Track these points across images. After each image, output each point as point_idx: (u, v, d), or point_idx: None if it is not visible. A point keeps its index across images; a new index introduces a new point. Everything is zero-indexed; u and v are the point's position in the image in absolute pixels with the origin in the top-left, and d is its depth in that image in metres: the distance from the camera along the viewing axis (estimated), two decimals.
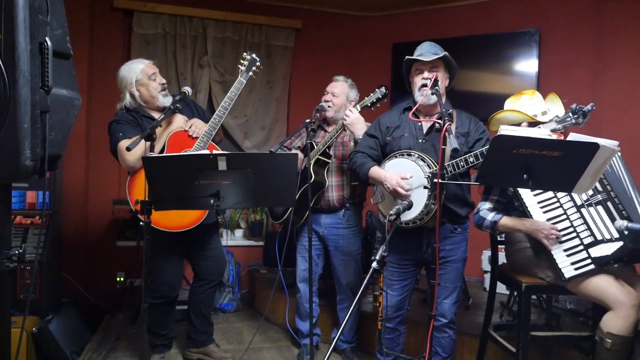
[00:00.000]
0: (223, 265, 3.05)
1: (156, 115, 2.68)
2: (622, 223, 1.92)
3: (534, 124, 2.30)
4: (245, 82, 2.72)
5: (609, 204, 2.14)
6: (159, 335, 2.85)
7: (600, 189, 2.16)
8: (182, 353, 3.05)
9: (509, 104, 2.45)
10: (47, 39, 1.32)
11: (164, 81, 2.76)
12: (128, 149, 2.28)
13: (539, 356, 2.78)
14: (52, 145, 1.38)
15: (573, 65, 3.93)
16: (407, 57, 2.34)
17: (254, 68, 2.75)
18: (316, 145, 2.89)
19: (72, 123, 1.52)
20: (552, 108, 2.32)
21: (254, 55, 2.75)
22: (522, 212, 2.28)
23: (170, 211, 2.49)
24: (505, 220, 2.28)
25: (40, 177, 1.41)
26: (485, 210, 2.35)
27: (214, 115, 2.65)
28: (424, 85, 2.22)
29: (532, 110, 2.31)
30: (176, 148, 2.62)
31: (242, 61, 2.76)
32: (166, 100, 2.70)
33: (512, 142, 1.60)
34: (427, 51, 2.31)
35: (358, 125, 2.65)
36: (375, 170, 2.32)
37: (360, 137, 2.61)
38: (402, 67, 2.39)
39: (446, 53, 2.28)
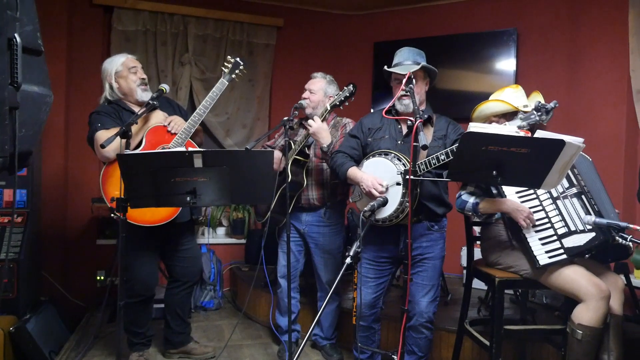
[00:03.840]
0: (198, 267, 3.03)
1: (137, 109, 2.68)
2: (589, 218, 1.97)
3: (513, 114, 2.35)
4: (227, 83, 2.74)
5: (583, 197, 2.20)
6: (136, 334, 2.84)
7: (575, 182, 2.23)
8: (161, 352, 3.04)
9: (493, 96, 2.49)
10: (16, 35, 1.31)
11: (144, 76, 2.76)
12: (102, 145, 2.27)
13: (514, 350, 2.83)
14: (23, 142, 1.37)
15: (549, 65, 4.00)
16: (385, 68, 2.37)
17: (237, 71, 2.77)
18: (294, 145, 2.90)
19: (44, 120, 1.51)
20: (532, 105, 2.37)
21: (238, 59, 2.77)
22: None
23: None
24: (487, 202, 2.33)
25: (11, 174, 1.40)
26: (466, 194, 2.40)
27: (194, 113, 2.66)
28: (404, 95, 2.26)
29: (516, 101, 2.36)
30: (153, 143, 2.61)
31: (225, 63, 2.78)
32: (145, 95, 2.71)
33: (481, 139, 1.63)
34: (405, 59, 2.34)
35: (321, 134, 2.67)
36: (353, 171, 2.36)
37: (325, 145, 2.65)
38: (384, 66, 2.41)
39: (423, 63, 2.31)
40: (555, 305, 3.24)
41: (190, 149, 2.57)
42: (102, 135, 2.49)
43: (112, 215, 2.06)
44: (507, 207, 2.26)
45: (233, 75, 2.77)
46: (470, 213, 2.40)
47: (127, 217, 2.45)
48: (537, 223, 2.24)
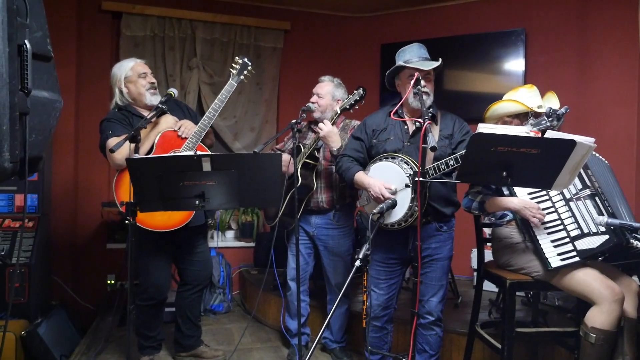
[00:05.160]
0: (209, 270, 3.03)
1: (146, 113, 2.69)
2: (602, 219, 1.94)
3: (527, 115, 2.33)
4: (236, 85, 2.73)
5: (596, 198, 2.17)
6: (147, 337, 2.84)
7: (588, 183, 2.19)
8: (171, 355, 3.05)
9: (507, 96, 2.46)
10: (26, 41, 1.32)
11: (153, 80, 2.77)
12: (112, 150, 2.28)
13: (525, 353, 2.80)
14: (33, 147, 1.38)
15: (559, 65, 3.97)
16: (405, 64, 2.29)
17: (245, 72, 2.75)
18: (303, 148, 2.89)
19: (54, 125, 1.52)
20: (547, 105, 2.35)
21: (246, 60, 2.76)
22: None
23: (158, 213, 2.51)
24: (493, 201, 2.30)
25: (21, 179, 1.41)
26: (473, 192, 2.38)
27: (204, 117, 2.65)
28: (424, 92, 2.19)
29: (530, 102, 2.33)
30: (165, 148, 2.63)
31: (233, 64, 2.76)
32: (154, 99, 2.72)
33: (491, 139, 1.62)
34: (417, 55, 2.30)
35: (332, 137, 2.67)
36: (359, 176, 2.35)
37: (335, 149, 2.64)
38: (389, 69, 2.39)
39: (440, 60, 2.28)
40: (567, 307, 3.20)
41: (198, 153, 2.57)
42: (114, 142, 2.50)
43: (126, 221, 2.07)
44: (514, 204, 2.23)
45: (242, 77, 2.75)
46: (477, 212, 2.38)
47: (140, 223, 2.49)
48: (549, 225, 2.21)
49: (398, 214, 2.14)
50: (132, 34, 4.21)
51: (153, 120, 2.59)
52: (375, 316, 2.46)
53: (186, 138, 2.64)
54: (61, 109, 1.58)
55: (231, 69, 2.76)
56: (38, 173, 3.33)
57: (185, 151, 2.59)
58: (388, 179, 2.22)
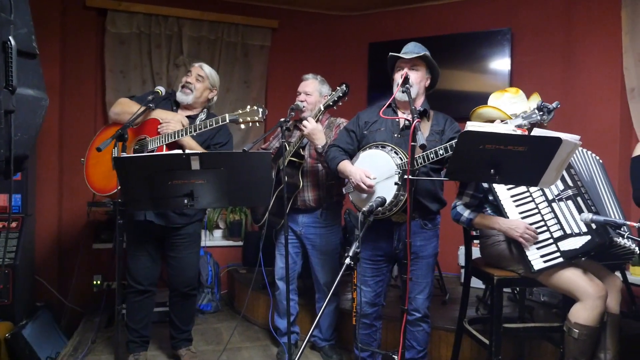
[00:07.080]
0: (185, 276, 2.88)
1: (178, 108, 2.84)
2: (587, 216, 1.97)
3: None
4: (228, 121, 2.51)
5: (578, 199, 2.19)
6: (131, 330, 2.82)
7: (571, 184, 2.22)
8: (165, 354, 3.04)
9: (492, 99, 2.49)
10: (10, 38, 1.30)
11: (189, 79, 2.81)
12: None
13: (512, 348, 2.84)
14: (18, 146, 1.36)
15: (544, 64, 4.02)
16: (390, 54, 2.38)
17: (248, 118, 2.52)
18: (288, 146, 2.88)
19: (39, 123, 1.50)
20: (533, 107, 2.38)
21: (261, 110, 2.52)
22: (496, 206, 2.34)
23: (102, 173, 2.65)
24: (480, 219, 2.36)
25: (6, 179, 1.39)
26: (462, 206, 2.41)
27: (184, 129, 2.59)
28: (404, 84, 2.25)
29: (511, 109, 2.36)
30: (141, 129, 2.68)
31: (248, 108, 2.54)
32: (180, 96, 2.80)
33: (478, 137, 1.64)
34: (411, 50, 2.37)
35: (316, 135, 2.65)
36: (343, 165, 2.39)
37: (320, 146, 2.63)
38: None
39: (426, 53, 2.33)
40: (552, 302, 3.25)
41: (161, 152, 2.57)
42: (122, 100, 2.75)
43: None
44: (500, 227, 2.27)
45: (241, 120, 2.52)
46: (464, 225, 2.42)
47: (89, 180, 2.68)
48: (534, 227, 2.24)
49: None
50: (118, 31, 4.17)
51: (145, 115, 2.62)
52: (363, 314, 2.47)
53: (159, 133, 2.63)
54: (47, 107, 1.56)
55: (240, 110, 2.54)
56: (21, 172, 3.28)
57: (148, 143, 2.64)
58: (377, 167, 2.24)
